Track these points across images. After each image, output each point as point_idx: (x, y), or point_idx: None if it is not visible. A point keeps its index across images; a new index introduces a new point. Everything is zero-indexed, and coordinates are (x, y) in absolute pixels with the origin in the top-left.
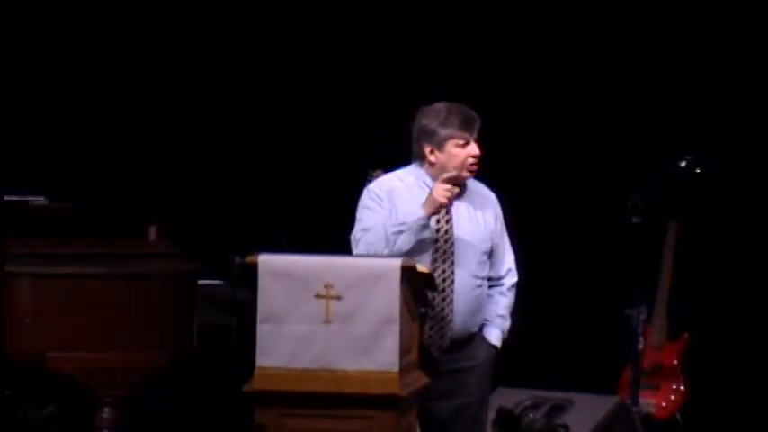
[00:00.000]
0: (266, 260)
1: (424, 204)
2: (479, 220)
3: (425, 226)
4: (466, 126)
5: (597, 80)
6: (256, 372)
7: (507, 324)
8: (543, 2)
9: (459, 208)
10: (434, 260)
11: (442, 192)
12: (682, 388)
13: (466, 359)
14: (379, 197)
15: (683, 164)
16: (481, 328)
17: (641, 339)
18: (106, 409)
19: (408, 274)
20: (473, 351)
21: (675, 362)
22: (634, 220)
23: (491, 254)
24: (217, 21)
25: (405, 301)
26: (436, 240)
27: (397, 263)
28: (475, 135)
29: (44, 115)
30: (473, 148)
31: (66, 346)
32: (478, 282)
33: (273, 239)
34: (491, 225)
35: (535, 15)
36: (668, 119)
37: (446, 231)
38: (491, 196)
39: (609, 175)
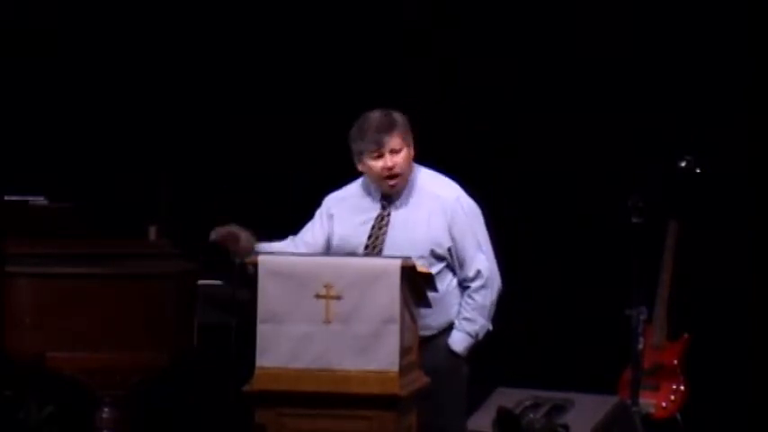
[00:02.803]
0: (266, 260)
1: None
2: (419, 224)
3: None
4: (375, 139)
5: (597, 80)
6: (256, 372)
7: (475, 326)
8: (543, 2)
9: (399, 214)
10: None
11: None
12: (682, 388)
13: (425, 362)
14: (326, 211)
15: (683, 164)
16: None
17: (641, 339)
18: (106, 409)
19: (408, 273)
20: (432, 355)
21: (675, 362)
22: (634, 220)
23: (442, 258)
24: (217, 21)
25: (405, 301)
26: (366, 247)
27: (396, 263)
28: (390, 145)
29: (44, 115)
30: (386, 161)
31: (66, 346)
32: None
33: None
34: (437, 229)
35: (535, 15)
36: (668, 119)
37: (377, 238)
38: (447, 199)
39: (609, 175)
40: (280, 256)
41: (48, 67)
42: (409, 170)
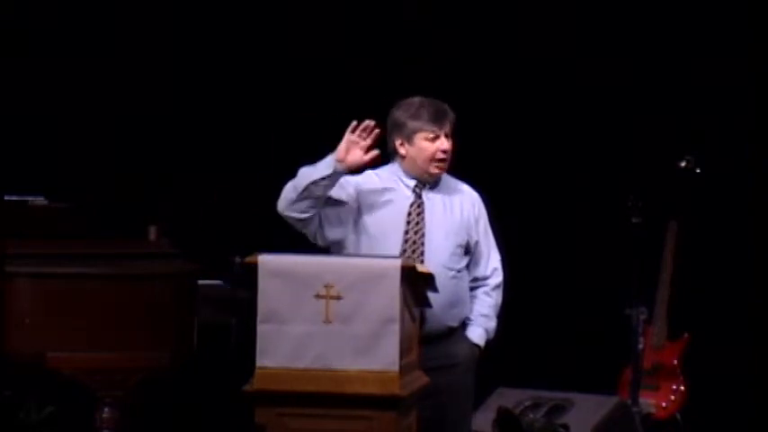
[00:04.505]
0: (266, 260)
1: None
2: (454, 212)
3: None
4: (435, 119)
5: (597, 79)
6: (256, 372)
7: (492, 324)
8: (542, 2)
9: (433, 200)
10: (404, 251)
11: (346, 144)
12: (682, 388)
13: (446, 357)
14: (349, 184)
15: (683, 164)
16: (464, 326)
17: (641, 339)
18: (106, 409)
19: (408, 274)
20: (454, 349)
21: (675, 362)
22: (634, 220)
23: (468, 250)
24: (219, 20)
25: (405, 301)
26: (406, 232)
27: (397, 263)
28: (446, 129)
29: (44, 115)
30: (442, 143)
31: (67, 346)
32: (452, 273)
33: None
34: (468, 220)
35: (534, 15)
36: (668, 119)
37: (417, 223)
38: (473, 195)
39: (609, 175)
40: (280, 256)
41: (47, 67)
42: None
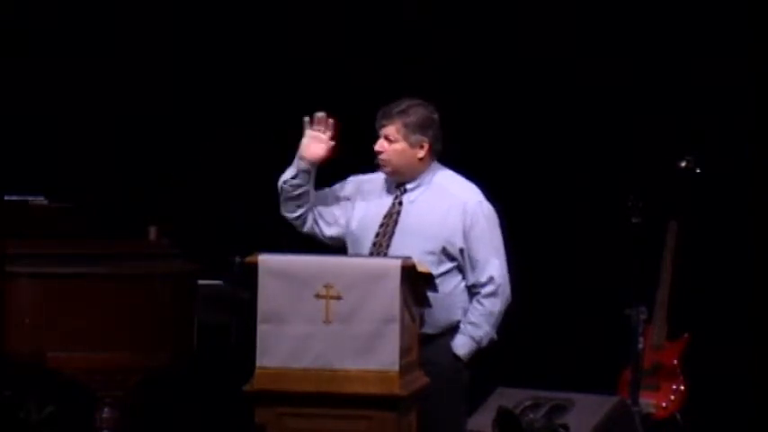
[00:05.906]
0: (266, 260)
1: None
2: (434, 220)
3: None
4: (378, 117)
5: (597, 79)
6: (256, 372)
7: (479, 332)
8: (542, 2)
9: (416, 203)
10: (371, 254)
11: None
12: (682, 388)
13: (423, 363)
14: (351, 183)
15: (683, 164)
16: (453, 332)
17: (641, 339)
18: (106, 409)
19: (408, 273)
20: (432, 355)
21: (675, 362)
22: (634, 220)
23: (452, 257)
24: (219, 20)
25: (405, 301)
26: (377, 234)
27: (397, 263)
28: (382, 130)
29: (44, 115)
30: (378, 143)
31: (67, 346)
32: None
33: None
34: (452, 226)
35: (534, 15)
36: (668, 119)
37: (388, 226)
38: (468, 201)
39: (609, 174)
40: (280, 256)
41: (47, 67)
42: (402, 165)
